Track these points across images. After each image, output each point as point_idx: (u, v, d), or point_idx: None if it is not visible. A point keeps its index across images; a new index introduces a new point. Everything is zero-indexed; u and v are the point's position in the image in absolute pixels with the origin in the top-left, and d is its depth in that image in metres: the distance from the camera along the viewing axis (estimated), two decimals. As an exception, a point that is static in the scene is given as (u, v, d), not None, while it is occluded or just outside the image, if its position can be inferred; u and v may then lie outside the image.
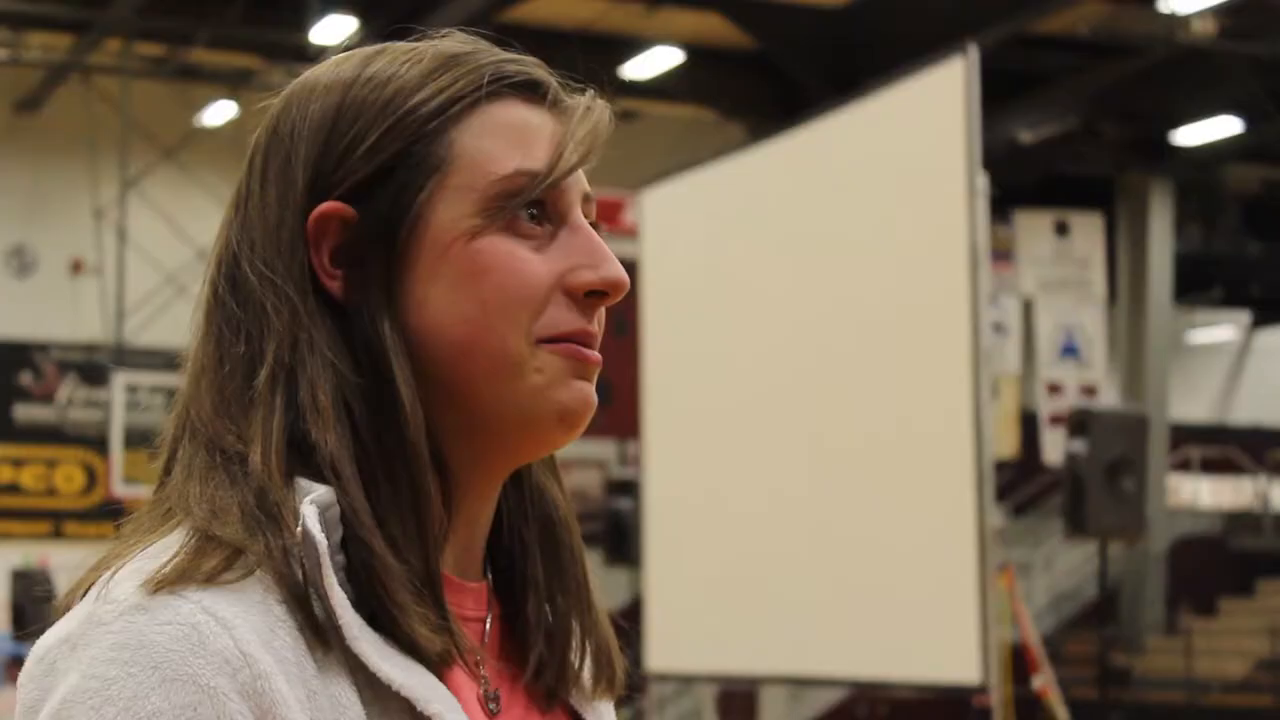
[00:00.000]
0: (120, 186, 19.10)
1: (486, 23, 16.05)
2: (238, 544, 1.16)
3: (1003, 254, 17.91)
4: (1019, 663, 9.65)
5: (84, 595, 1.18)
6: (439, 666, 1.19)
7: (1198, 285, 25.26)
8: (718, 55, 19.07)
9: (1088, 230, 18.74)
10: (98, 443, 18.59)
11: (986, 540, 6.92)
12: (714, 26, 18.30)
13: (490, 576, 1.33)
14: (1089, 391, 18.28)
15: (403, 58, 1.29)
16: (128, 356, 18.46)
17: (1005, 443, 17.79)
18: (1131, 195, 22.15)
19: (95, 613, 1.14)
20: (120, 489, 18.52)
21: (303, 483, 1.19)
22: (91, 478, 19.12)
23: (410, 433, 1.22)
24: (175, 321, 19.21)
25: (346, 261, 1.26)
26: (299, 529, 1.16)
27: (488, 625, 1.30)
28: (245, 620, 1.13)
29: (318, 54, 18.21)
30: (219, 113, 20.06)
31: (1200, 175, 22.42)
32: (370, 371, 1.23)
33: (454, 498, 1.25)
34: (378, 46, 1.32)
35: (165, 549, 1.17)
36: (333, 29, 17.15)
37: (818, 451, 7.96)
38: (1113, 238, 21.08)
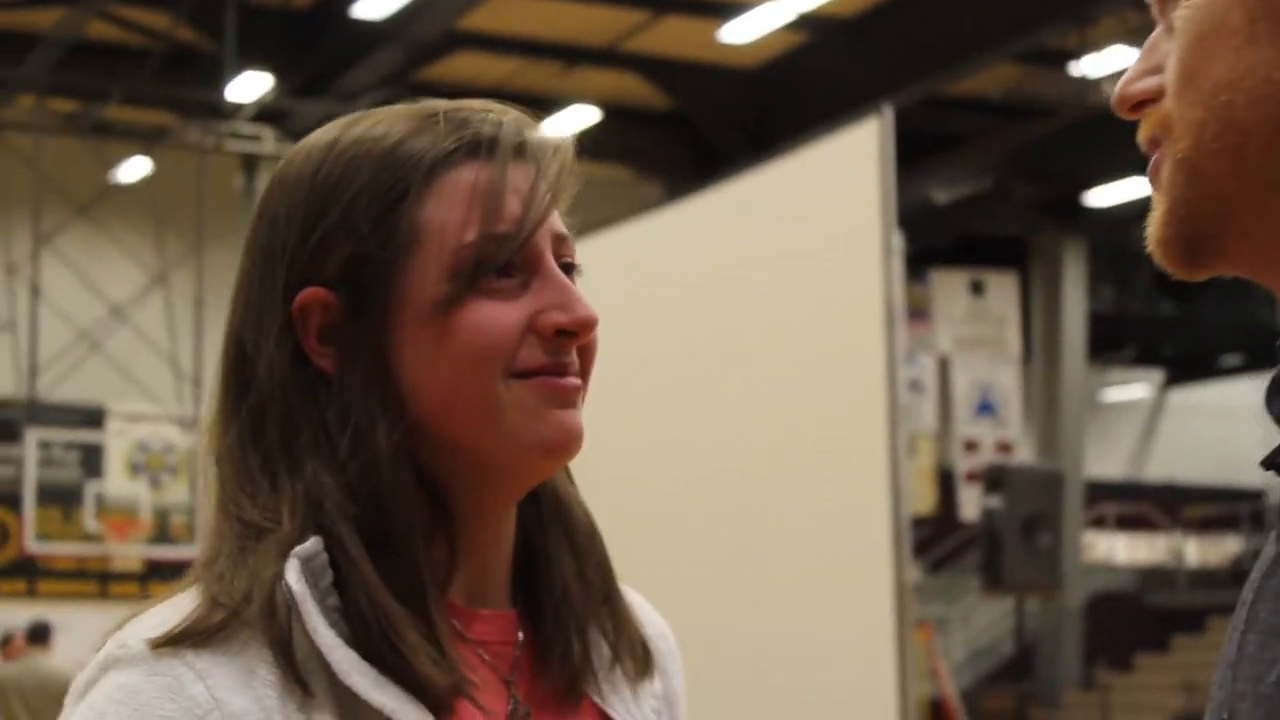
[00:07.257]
0: (34, 243, 18.96)
1: (402, 82, 16.09)
2: (235, 606, 1.27)
3: (919, 312, 18.02)
4: (938, 718, 9.67)
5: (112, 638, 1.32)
6: (448, 698, 1.28)
7: (1111, 344, 25.48)
8: (634, 114, 19.15)
9: (1003, 289, 18.91)
10: (10, 499, 18.39)
11: (904, 596, 6.94)
12: (630, 86, 18.38)
13: (524, 602, 1.42)
14: (1005, 449, 18.40)
15: (350, 153, 1.36)
16: (40, 413, 18.29)
17: (922, 499, 17.87)
18: (1045, 255, 22.35)
19: (109, 654, 1.28)
20: (33, 545, 18.33)
21: (310, 542, 1.29)
22: (4, 534, 18.88)
23: (387, 481, 1.31)
24: (88, 378, 19.07)
25: (334, 338, 1.35)
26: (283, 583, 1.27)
27: (517, 649, 1.39)
28: (223, 670, 1.25)
29: (233, 111, 18.21)
30: (133, 169, 19.97)
31: (1112, 236, 22.64)
32: (356, 438, 1.32)
33: (457, 532, 1.35)
34: (330, 139, 1.39)
35: (177, 608, 1.29)
36: (248, 86, 17.11)
37: (733, 507, 7.97)
38: (1027, 297, 21.25)
